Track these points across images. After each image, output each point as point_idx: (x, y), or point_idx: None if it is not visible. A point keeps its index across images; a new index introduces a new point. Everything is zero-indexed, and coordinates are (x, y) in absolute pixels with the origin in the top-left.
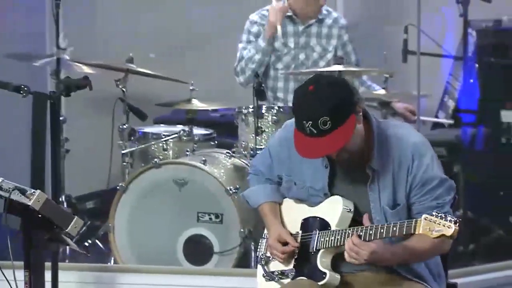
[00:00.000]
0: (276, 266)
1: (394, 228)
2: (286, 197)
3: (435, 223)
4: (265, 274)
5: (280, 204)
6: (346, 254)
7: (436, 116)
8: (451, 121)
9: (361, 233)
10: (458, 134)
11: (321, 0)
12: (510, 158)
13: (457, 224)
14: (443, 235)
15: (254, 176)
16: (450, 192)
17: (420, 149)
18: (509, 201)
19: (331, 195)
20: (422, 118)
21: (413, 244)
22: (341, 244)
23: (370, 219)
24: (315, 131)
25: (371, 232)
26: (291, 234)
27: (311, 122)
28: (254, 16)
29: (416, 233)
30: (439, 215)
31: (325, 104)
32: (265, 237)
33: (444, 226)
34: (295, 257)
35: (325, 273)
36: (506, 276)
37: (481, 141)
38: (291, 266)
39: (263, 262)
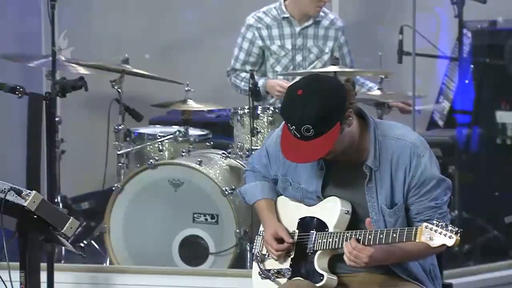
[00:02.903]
0: (272, 264)
1: (394, 235)
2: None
3: (436, 232)
4: (260, 272)
5: (276, 201)
6: (345, 258)
7: (432, 117)
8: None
9: (359, 237)
10: (453, 134)
11: None
12: (505, 158)
13: (459, 235)
14: (444, 245)
15: (251, 173)
16: (447, 192)
17: (419, 148)
18: (504, 201)
19: (324, 198)
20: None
21: (408, 246)
22: (339, 246)
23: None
24: (298, 135)
25: (370, 237)
26: (288, 232)
27: (294, 127)
28: (250, 19)
29: (417, 241)
30: (440, 223)
31: (310, 113)
32: (260, 234)
33: (445, 236)
34: (291, 256)
35: (322, 275)
36: (501, 277)
37: (476, 141)
38: (287, 265)
39: (259, 260)
